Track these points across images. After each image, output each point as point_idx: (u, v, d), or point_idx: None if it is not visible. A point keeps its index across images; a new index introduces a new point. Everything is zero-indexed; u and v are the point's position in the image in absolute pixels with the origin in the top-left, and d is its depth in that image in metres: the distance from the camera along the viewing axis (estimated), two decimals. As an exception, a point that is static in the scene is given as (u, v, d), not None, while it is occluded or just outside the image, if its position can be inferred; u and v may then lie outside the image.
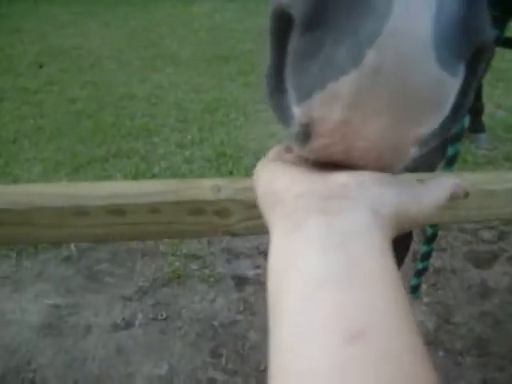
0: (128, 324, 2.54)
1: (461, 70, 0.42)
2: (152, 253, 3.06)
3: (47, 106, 5.48)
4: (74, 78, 6.41)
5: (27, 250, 3.07)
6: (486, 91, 4.74)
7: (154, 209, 0.96)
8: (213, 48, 8.08)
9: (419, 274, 1.50)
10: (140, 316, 2.59)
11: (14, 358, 2.33)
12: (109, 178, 3.93)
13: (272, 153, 0.60)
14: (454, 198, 0.53)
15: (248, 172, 3.94)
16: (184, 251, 3.06)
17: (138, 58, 7.47)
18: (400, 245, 2.10)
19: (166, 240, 3.14)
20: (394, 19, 0.37)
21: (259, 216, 0.99)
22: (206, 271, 2.91)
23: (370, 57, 0.38)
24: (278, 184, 0.48)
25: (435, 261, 2.98)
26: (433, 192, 0.51)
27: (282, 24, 0.45)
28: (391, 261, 0.41)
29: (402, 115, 0.42)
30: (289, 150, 0.59)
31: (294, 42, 0.44)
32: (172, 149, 4.44)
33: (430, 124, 0.44)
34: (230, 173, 4.00)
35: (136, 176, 3.95)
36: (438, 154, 1.51)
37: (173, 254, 3.04)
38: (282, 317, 0.39)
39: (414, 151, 0.46)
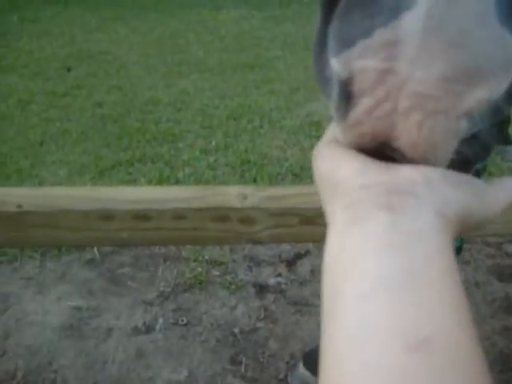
0: (149, 328, 2.55)
1: None
2: (174, 258, 3.07)
3: (74, 110, 5.53)
4: (100, 83, 6.47)
5: (51, 252, 3.10)
6: None
7: (178, 215, 0.97)
8: (239, 55, 8.10)
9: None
10: (161, 321, 2.59)
11: (36, 359, 2.35)
12: (133, 182, 3.96)
13: (331, 132, 0.55)
14: None
15: (272, 180, 3.95)
16: (206, 257, 3.06)
17: (164, 63, 7.51)
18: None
19: (188, 246, 3.15)
20: None
21: (284, 224, 1.00)
22: (228, 278, 2.91)
23: (421, 2, 0.35)
24: (343, 171, 0.45)
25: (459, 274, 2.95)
26: (499, 194, 0.49)
27: None
28: (454, 264, 0.39)
29: (455, 71, 0.37)
30: None
31: None
32: (196, 154, 4.46)
33: (488, 90, 0.38)
34: (254, 180, 4.00)
35: (160, 181, 3.97)
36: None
37: (195, 260, 3.04)
38: (341, 315, 0.37)
39: (465, 125, 0.41)
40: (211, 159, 4.37)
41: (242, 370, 2.32)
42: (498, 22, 0.35)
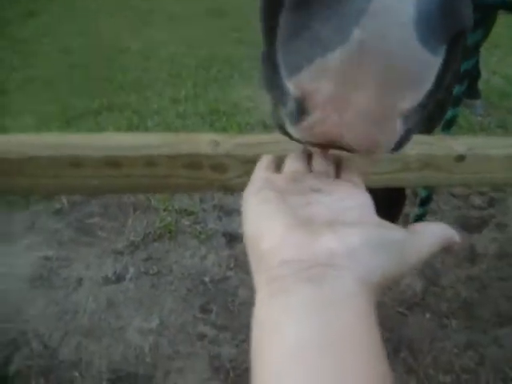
0: (119, 278, 2.55)
1: (442, 50, 0.45)
2: (144, 207, 3.06)
3: (38, 57, 5.40)
4: (65, 29, 6.31)
5: (18, 202, 3.06)
6: (482, 57, 4.71)
7: (150, 162, 0.96)
8: (207, 2, 7.94)
9: (412, 235, 1.50)
10: (131, 270, 2.60)
11: (6, 309, 2.34)
12: (101, 131, 3.90)
13: (260, 173, 0.59)
14: (445, 248, 0.52)
15: (241, 129, 3.92)
16: (176, 207, 3.06)
17: (131, 10, 7.35)
18: (392, 208, 2.10)
19: (157, 195, 3.14)
20: (377, 1, 0.39)
21: (256, 172, 0.99)
22: (198, 227, 2.92)
23: (356, 34, 0.40)
24: (265, 243, 0.46)
25: (425, 224, 3.00)
26: (423, 245, 0.49)
27: (273, 5, 0.47)
28: (374, 327, 0.41)
29: (387, 89, 0.44)
30: (278, 164, 0.61)
31: (284, 21, 0.46)
32: (165, 103, 4.41)
33: (413, 98, 0.46)
34: (224, 129, 3.97)
35: (129, 130, 3.92)
36: (437, 118, 1.51)
37: (165, 210, 3.04)
38: (263, 378, 0.39)
39: (400, 124, 0.49)
40: (180, 108, 4.33)
41: (213, 317, 2.34)
42: (419, 45, 0.41)
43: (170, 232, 2.86)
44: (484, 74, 4.86)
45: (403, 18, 0.40)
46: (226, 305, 2.41)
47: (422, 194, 1.34)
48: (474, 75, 4.37)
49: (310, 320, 0.38)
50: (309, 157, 0.62)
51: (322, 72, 0.44)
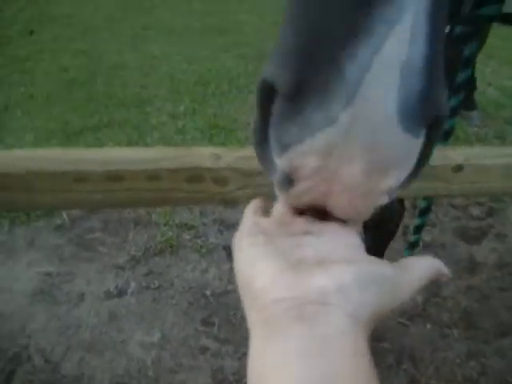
0: (121, 292, 2.56)
1: (422, 133, 0.48)
2: (144, 222, 3.07)
3: (38, 74, 5.43)
4: (64, 47, 6.34)
5: (19, 218, 3.07)
6: (478, 69, 4.74)
7: (152, 175, 0.97)
8: (206, 18, 8.00)
9: (412, 246, 1.52)
10: (133, 284, 2.60)
11: (8, 325, 2.35)
12: (101, 147, 3.90)
13: (249, 217, 0.61)
14: (435, 281, 0.54)
15: (241, 144, 3.93)
16: (176, 221, 3.07)
17: (129, 27, 7.39)
18: (392, 220, 2.11)
19: (158, 209, 3.15)
20: (363, 91, 0.43)
21: (257, 185, 1.00)
22: (199, 241, 2.93)
23: (342, 120, 0.44)
24: (258, 283, 0.47)
25: (425, 235, 3.01)
26: (412, 280, 0.50)
27: (267, 91, 0.50)
28: (368, 363, 0.41)
29: (371, 170, 0.47)
30: (267, 207, 0.63)
31: (277, 106, 0.50)
32: (164, 119, 4.43)
33: (397, 176, 0.49)
34: (223, 144, 3.99)
35: (128, 145, 3.93)
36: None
37: (165, 224, 3.05)
38: None
39: (383, 198, 0.52)
40: (180, 124, 4.35)
41: (215, 331, 2.35)
42: (401, 130, 0.45)
43: (170, 246, 2.87)
44: (479, 85, 4.90)
45: (386, 107, 0.44)
46: (228, 318, 2.42)
47: (421, 204, 1.35)
48: (470, 87, 4.40)
49: (306, 363, 0.39)
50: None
51: (310, 152, 0.47)
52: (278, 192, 0.57)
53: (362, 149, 0.46)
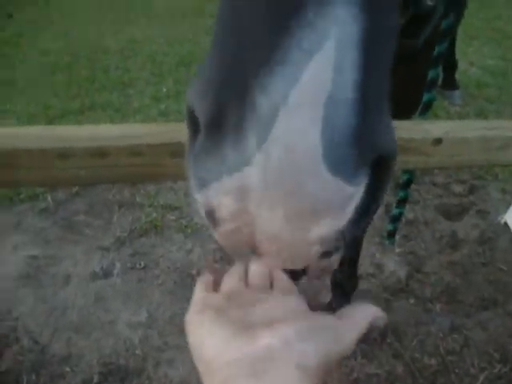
0: (106, 273, 2.57)
1: (360, 178, 0.44)
2: (129, 204, 3.08)
3: (18, 58, 5.37)
4: (44, 30, 6.28)
5: (3, 201, 3.06)
6: (460, 49, 4.76)
7: (136, 151, 0.97)
8: (187, 1, 7.93)
9: (394, 219, 1.53)
10: (118, 265, 2.62)
11: (-5, 307, 2.36)
12: (84, 130, 3.88)
13: (198, 296, 0.60)
14: (373, 326, 0.55)
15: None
16: (161, 202, 3.08)
17: (110, 10, 7.32)
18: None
19: (142, 191, 3.15)
20: (277, 128, 0.39)
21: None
22: (183, 222, 2.94)
23: (258, 158, 0.41)
24: (210, 350, 0.48)
25: (407, 213, 3.05)
26: (353, 328, 0.52)
27: (191, 117, 0.48)
28: None
29: (294, 213, 0.44)
30: (217, 279, 0.61)
31: (198, 139, 0.47)
32: (147, 102, 4.42)
33: (330, 226, 0.45)
34: (206, 126, 3.98)
35: (111, 128, 3.90)
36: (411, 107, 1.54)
37: (150, 205, 3.06)
38: None
39: (317, 249, 0.48)
40: (162, 106, 4.34)
41: (201, 309, 2.36)
42: (330, 174, 0.41)
43: (155, 227, 2.89)
44: (462, 64, 4.92)
45: (305, 146, 0.39)
46: (214, 296, 2.43)
47: (403, 177, 1.37)
48: (451, 66, 4.42)
49: None
50: (245, 272, 0.62)
51: (226, 191, 0.45)
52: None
53: (282, 193, 0.42)
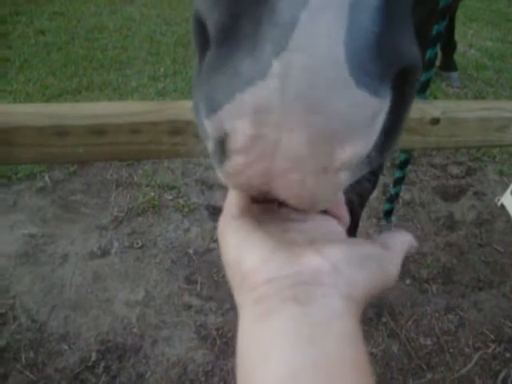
0: (104, 252, 2.58)
1: (386, 91, 0.39)
2: (126, 183, 3.08)
3: (14, 37, 5.32)
4: (41, 9, 6.20)
5: (0, 180, 3.06)
6: (459, 31, 4.75)
7: (134, 129, 0.98)
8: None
9: (391, 199, 1.54)
10: (116, 244, 2.63)
11: (-8, 285, 2.36)
12: (81, 109, 3.87)
13: (233, 202, 0.55)
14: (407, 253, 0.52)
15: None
16: (158, 182, 3.08)
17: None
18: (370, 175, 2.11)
19: (140, 171, 3.15)
20: (298, 33, 0.35)
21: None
22: (181, 201, 2.95)
23: (275, 71, 0.36)
24: (247, 263, 0.45)
25: (404, 194, 3.06)
26: (397, 257, 0.50)
27: (200, 26, 0.42)
28: (361, 347, 0.40)
29: (319, 135, 0.39)
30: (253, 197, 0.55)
31: (208, 55, 0.41)
32: (145, 81, 4.39)
33: (357, 147, 0.40)
34: (204, 106, 3.96)
35: (109, 108, 3.89)
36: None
37: (147, 185, 3.06)
38: None
39: (344, 177, 0.43)
40: (160, 86, 4.31)
41: (198, 288, 2.39)
42: (356, 86, 0.36)
43: (153, 206, 2.89)
44: (460, 46, 4.91)
45: (331, 53, 0.35)
46: (211, 275, 2.46)
47: (401, 157, 1.37)
48: (450, 47, 4.41)
49: (302, 345, 0.37)
50: None
51: (241, 112, 0.39)
52: (216, 170, 0.48)
53: (304, 110, 0.37)
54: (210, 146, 0.44)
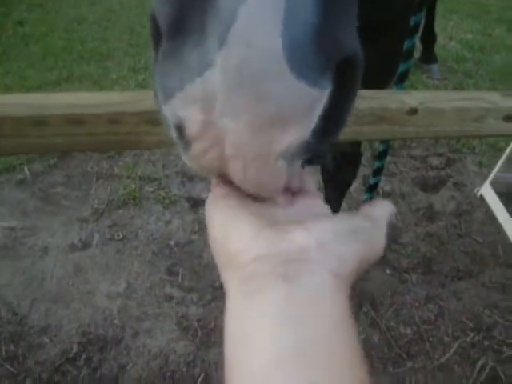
0: (85, 244, 2.57)
1: (324, 82, 0.41)
2: (107, 176, 3.07)
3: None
4: (19, 0, 6.15)
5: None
6: (439, 23, 4.77)
7: (113, 119, 0.97)
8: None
9: (371, 189, 1.55)
10: (97, 236, 2.62)
11: (-28, 279, 2.35)
12: (61, 101, 3.84)
13: (219, 184, 0.55)
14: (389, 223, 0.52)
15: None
16: (139, 174, 3.07)
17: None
18: (349, 167, 2.12)
19: (120, 163, 3.14)
20: (237, 27, 0.37)
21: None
22: (162, 193, 2.95)
23: (219, 61, 0.38)
24: (235, 242, 0.45)
25: (385, 185, 3.08)
26: (381, 229, 0.49)
27: (155, 24, 0.45)
28: (351, 325, 0.40)
29: (258, 123, 0.41)
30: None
31: (161, 46, 0.44)
32: (125, 73, 4.37)
33: (294, 135, 0.42)
34: (184, 97, 3.96)
35: (89, 100, 3.87)
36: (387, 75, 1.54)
37: (128, 177, 3.05)
38: None
39: (283, 163, 0.45)
40: (140, 77, 4.30)
41: (179, 279, 2.39)
42: (294, 76, 0.38)
43: (134, 198, 2.88)
44: (441, 39, 4.93)
45: (267, 45, 0.37)
46: (192, 267, 2.46)
47: (380, 148, 1.39)
48: (430, 39, 4.43)
49: (292, 324, 0.37)
50: None
51: (191, 101, 0.42)
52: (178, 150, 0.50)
53: (245, 99, 0.40)
54: (172, 132, 0.47)
